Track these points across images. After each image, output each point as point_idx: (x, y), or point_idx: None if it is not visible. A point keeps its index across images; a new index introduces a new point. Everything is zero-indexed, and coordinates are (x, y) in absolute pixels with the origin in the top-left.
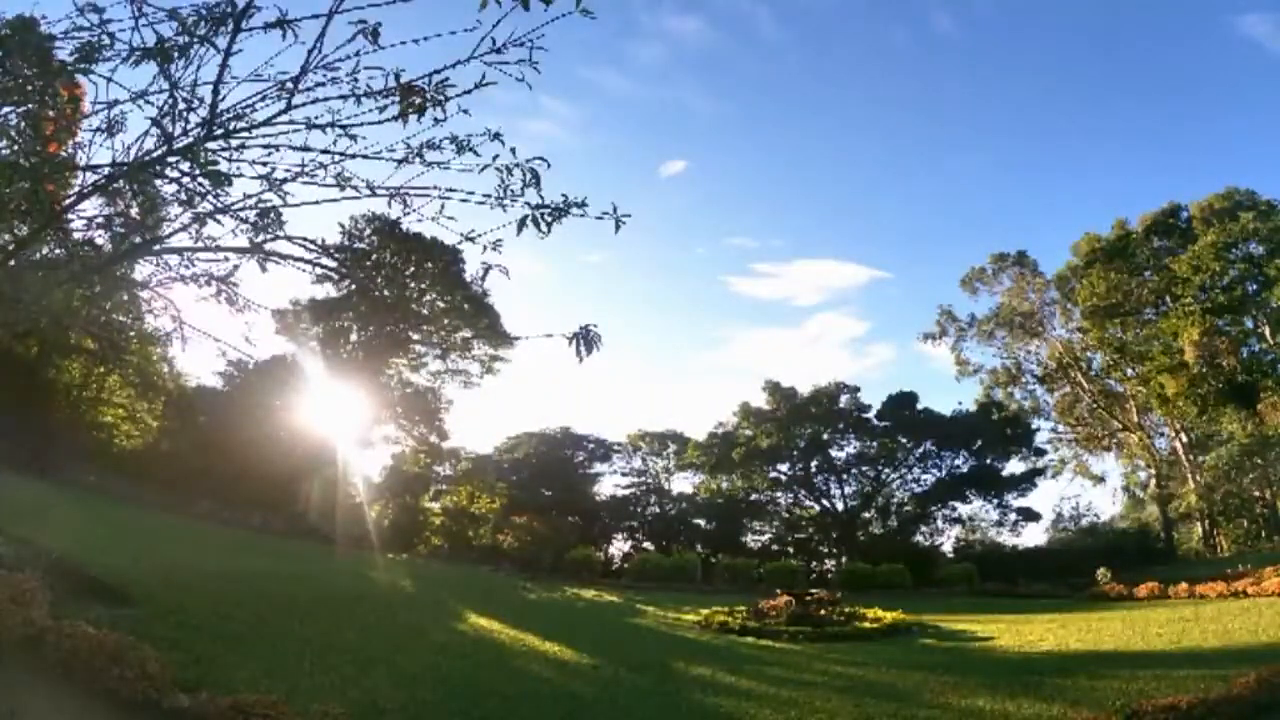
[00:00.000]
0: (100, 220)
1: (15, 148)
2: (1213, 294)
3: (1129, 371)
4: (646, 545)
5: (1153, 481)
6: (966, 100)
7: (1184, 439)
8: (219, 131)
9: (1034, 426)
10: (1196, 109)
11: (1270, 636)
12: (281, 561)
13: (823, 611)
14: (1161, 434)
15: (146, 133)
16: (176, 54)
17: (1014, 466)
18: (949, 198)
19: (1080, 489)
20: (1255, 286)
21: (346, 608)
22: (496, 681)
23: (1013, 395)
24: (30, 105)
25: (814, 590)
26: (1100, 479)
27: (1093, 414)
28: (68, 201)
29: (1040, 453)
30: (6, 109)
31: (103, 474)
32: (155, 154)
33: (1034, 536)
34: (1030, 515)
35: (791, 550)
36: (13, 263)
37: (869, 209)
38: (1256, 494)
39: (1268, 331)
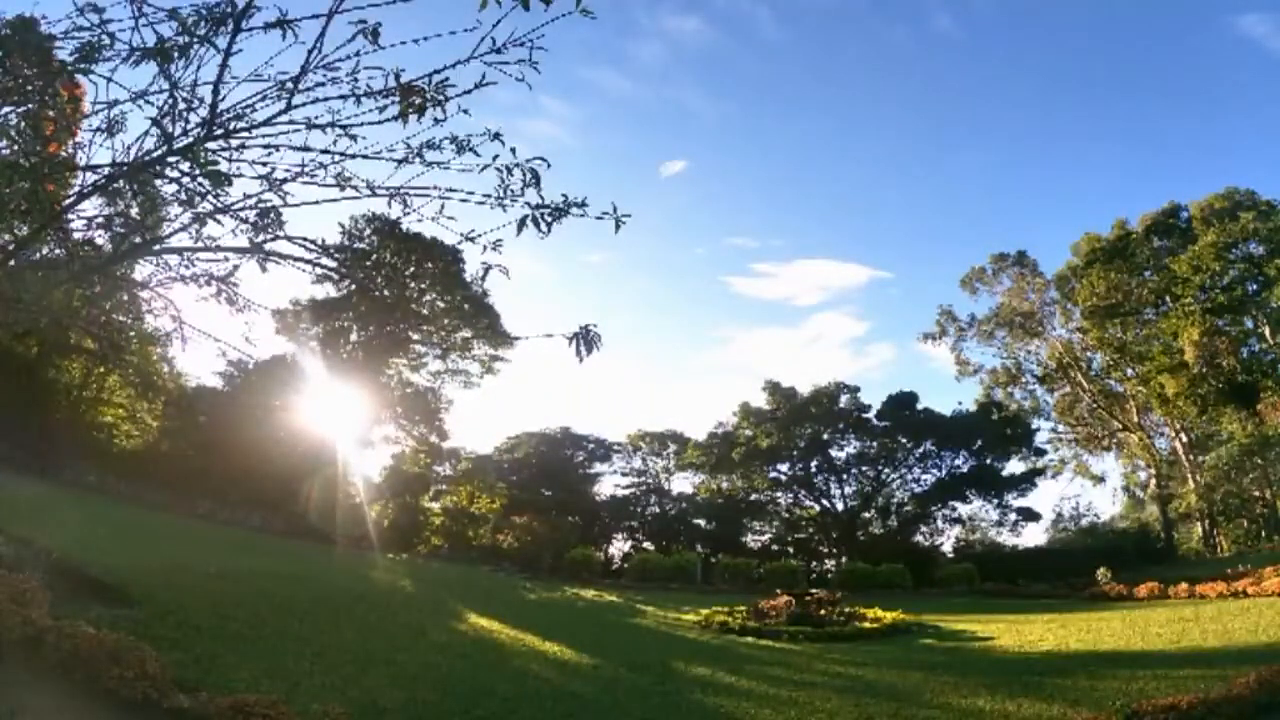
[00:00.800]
0: (100, 220)
1: (15, 148)
2: (1213, 294)
3: (1129, 371)
4: (646, 545)
5: (1153, 481)
6: (967, 100)
7: (1184, 439)
8: (219, 131)
9: (1034, 426)
10: (1196, 109)
11: (1270, 636)
12: (281, 561)
13: (823, 611)
14: (1161, 434)
15: (146, 133)
16: (176, 54)
17: (1014, 466)
18: (949, 198)
19: (1080, 489)
20: (1255, 286)
21: (346, 608)
22: (496, 681)
23: (1013, 395)
24: (30, 105)
25: (814, 590)
26: (1100, 479)
27: (1093, 414)
28: (68, 201)
29: (1040, 453)
30: (6, 109)
31: (103, 474)
32: (155, 154)
33: (1034, 536)
34: (1030, 515)
35: (791, 550)
36: (13, 263)
37: (869, 209)
38: (1256, 494)
39: (1268, 331)
